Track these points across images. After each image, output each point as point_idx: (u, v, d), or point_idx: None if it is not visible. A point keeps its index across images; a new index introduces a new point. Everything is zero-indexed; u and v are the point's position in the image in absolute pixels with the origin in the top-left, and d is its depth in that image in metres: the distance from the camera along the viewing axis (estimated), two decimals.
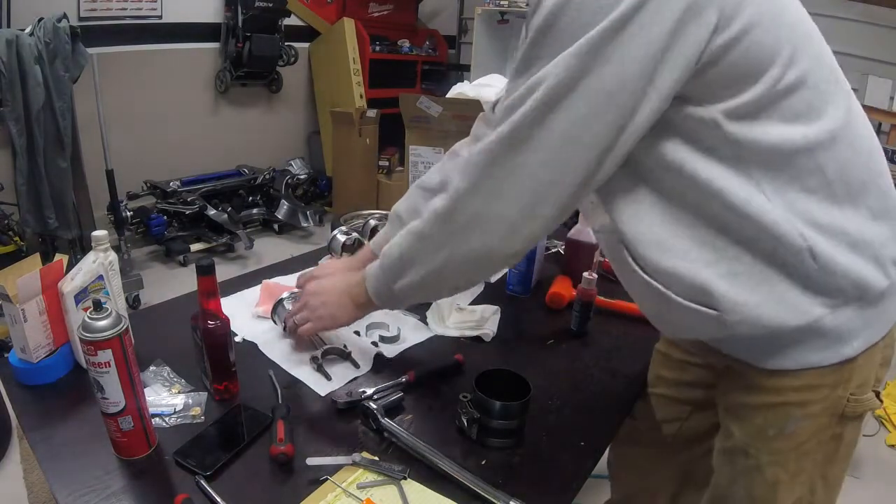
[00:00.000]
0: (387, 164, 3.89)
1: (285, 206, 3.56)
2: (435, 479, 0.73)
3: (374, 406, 0.82)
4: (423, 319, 1.13)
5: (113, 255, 0.92)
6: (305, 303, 0.92)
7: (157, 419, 0.80)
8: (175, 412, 0.83)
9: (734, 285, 0.64)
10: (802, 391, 0.70)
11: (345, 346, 1.00)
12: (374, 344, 1.03)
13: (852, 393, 0.71)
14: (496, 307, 1.17)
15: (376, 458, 0.75)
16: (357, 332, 1.06)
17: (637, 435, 1.05)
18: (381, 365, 0.98)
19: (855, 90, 0.67)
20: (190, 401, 0.85)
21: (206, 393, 0.87)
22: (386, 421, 0.80)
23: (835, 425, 0.72)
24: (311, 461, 0.73)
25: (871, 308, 0.66)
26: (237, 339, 1.02)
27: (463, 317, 1.13)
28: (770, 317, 0.64)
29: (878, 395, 0.73)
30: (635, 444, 1.07)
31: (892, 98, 2.91)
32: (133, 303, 2.56)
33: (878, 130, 2.86)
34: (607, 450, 1.14)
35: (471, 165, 0.66)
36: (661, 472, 1.07)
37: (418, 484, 0.72)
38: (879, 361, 0.72)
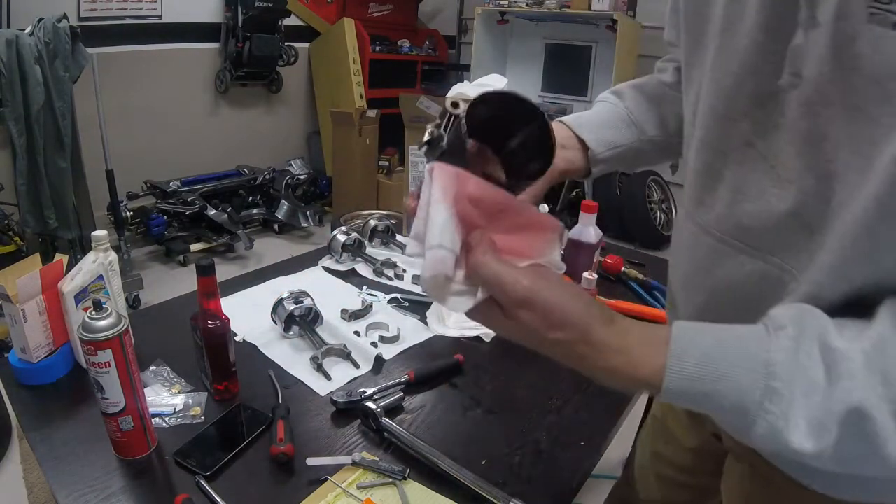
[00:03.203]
0: (387, 164, 3.90)
1: (285, 206, 3.56)
2: (435, 479, 0.73)
3: (374, 406, 0.82)
4: (423, 319, 1.13)
5: (113, 255, 0.92)
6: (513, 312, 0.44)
7: (157, 419, 0.80)
8: (175, 412, 0.83)
9: None
10: None
11: (345, 346, 1.00)
12: (374, 344, 1.03)
13: None
14: None
15: (376, 459, 0.75)
16: (357, 333, 1.06)
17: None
18: (381, 365, 0.98)
19: None
20: (190, 401, 0.85)
21: (206, 393, 0.87)
22: (386, 421, 0.80)
23: None
24: (311, 461, 0.73)
25: None
26: (237, 339, 1.02)
27: (463, 317, 1.13)
28: None
29: None
30: None
31: None
32: (133, 303, 2.56)
33: None
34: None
35: None
36: None
37: (418, 484, 0.72)
38: None
